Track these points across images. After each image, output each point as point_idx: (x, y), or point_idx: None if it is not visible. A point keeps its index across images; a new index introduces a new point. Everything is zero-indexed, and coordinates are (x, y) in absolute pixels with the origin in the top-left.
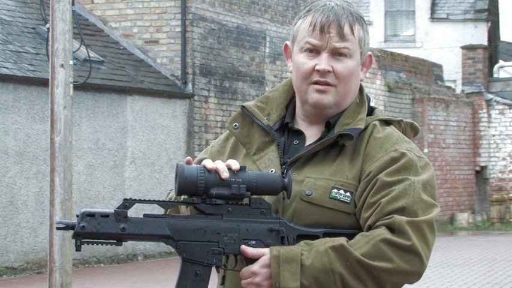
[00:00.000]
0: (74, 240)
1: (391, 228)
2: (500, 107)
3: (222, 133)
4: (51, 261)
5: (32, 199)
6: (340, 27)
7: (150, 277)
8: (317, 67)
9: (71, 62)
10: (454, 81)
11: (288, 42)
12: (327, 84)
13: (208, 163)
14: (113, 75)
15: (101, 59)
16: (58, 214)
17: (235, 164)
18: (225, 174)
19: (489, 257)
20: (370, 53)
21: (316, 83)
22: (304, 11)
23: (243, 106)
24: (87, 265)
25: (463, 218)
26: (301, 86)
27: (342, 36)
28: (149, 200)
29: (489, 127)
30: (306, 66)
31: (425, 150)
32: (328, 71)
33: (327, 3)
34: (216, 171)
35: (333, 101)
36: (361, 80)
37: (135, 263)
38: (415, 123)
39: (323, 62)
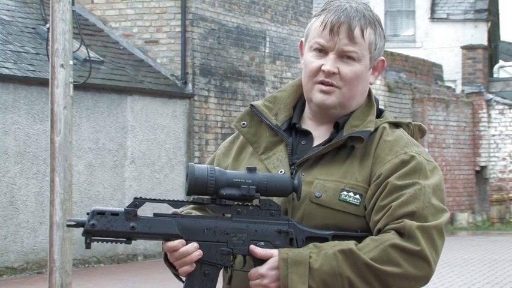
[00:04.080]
0: (73, 240)
1: (400, 233)
2: (500, 107)
3: (222, 133)
4: (51, 261)
5: (32, 199)
6: (350, 29)
7: (150, 277)
8: (323, 67)
9: (71, 62)
10: (454, 81)
11: (303, 39)
12: (331, 85)
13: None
14: (113, 75)
15: (101, 59)
16: (58, 214)
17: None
18: None
19: (489, 257)
20: (382, 57)
21: (321, 82)
22: (320, 9)
23: (251, 105)
24: (87, 265)
25: (463, 218)
26: (307, 84)
27: (351, 39)
28: (159, 200)
29: (489, 127)
30: (312, 65)
31: (426, 150)
32: (334, 73)
33: (342, 4)
34: None
35: (337, 102)
36: (371, 84)
37: (135, 263)
38: (422, 125)
39: (329, 63)
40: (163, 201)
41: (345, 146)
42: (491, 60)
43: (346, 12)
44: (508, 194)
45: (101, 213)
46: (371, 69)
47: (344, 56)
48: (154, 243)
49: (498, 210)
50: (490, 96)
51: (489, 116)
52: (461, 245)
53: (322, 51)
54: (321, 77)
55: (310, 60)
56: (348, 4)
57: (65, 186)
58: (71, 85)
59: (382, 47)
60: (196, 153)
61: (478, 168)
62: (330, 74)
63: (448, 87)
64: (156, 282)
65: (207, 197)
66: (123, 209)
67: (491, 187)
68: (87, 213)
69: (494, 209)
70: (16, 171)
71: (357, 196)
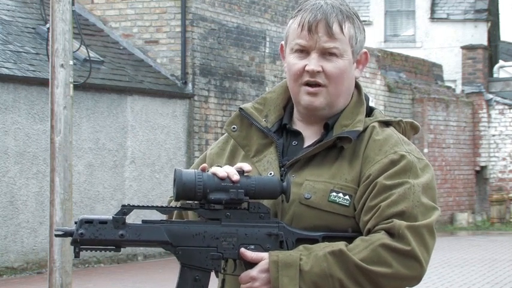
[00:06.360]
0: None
1: (390, 233)
2: (500, 107)
3: (222, 133)
4: (51, 261)
5: (32, 199)
6: (328, 26)
7: (150, 277)
8: (307, 67)
9: (71, 62)
10: (454, 81)
11: (283, 43)
12: (318, 84)
13: (219, 171)
14: (113, 75)
15: (101, 59)
16: (58, 214)
17: (247, 166)
18: (236, 177)
19: (489, 257)
20: (365, 50)
21: (307, 83)
22: (295, 11)
23: (240, 108)
24: (87, 265)
25: (463, 218)
26: (293, 87)
27: (330, 36)
28: (148, 206)
29: (489, 127)
30: (296, 67)
31: (425, 150)
32: (318, 71)
33: (316, 2)
34: (228, 177)
35: (325, 102)
36: (356, 78)
37: (135, 263)
38: (414, 122)
39: (312, 62)
40: (152, 207)
41: (334, 147)
42: (491, 60)
43: (322, 9)
44: (508, 194)
45: (89, 221)
46: (355, 64)
47: (326, 54)
48: None
49: (498, 210)
50: (490, 96)
51: (489, 116)
52: (461, 245)
53: (304, 51)
54: (306, 78)
55: (292, 62)
56: (323, 1)
57: (65, 186)
58: (71, 85)
59: (363, 39)
60: (196, 153)
61: (478, 168)
62: (314, 73)
63: (448, 87)
64: (156, 282)
65: (195, 202)
66: (111, 217)
67: (491, 187)
68: (75, 222)
69: (494, 209)
70: (16, 171)
71: (346, 197)
